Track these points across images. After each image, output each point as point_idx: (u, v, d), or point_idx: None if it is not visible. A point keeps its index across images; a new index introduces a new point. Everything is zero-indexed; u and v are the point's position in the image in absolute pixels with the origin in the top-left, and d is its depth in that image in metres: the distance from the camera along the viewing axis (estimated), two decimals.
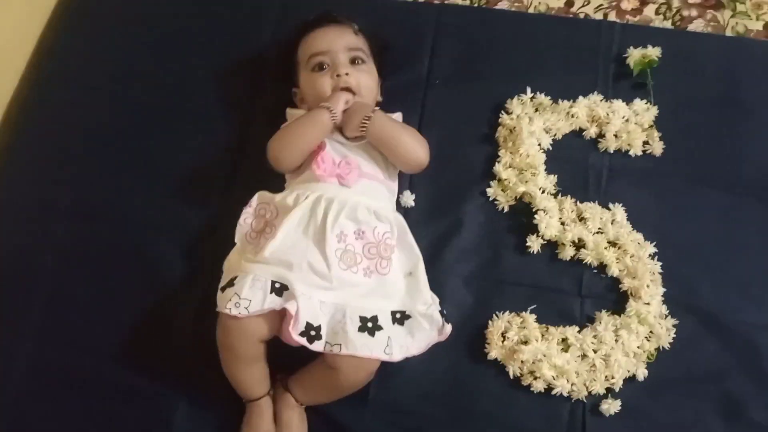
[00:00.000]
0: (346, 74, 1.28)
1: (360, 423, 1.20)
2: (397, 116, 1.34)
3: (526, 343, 1.21)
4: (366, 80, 1.30)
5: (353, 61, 1.31)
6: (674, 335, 1.22)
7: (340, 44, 1.30)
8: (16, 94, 1.48)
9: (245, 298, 1.12)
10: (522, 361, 1.20)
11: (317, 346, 1.12)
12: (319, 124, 1.25)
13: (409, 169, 1.31)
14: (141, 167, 1.40)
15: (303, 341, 1.11)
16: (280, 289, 1.14)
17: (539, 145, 1.34)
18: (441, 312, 1.20)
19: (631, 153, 1.34)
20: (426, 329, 1.18)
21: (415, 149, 1.29)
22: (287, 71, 1.36)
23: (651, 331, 1.22)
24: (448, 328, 1.20)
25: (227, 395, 1.21)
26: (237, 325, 1.14)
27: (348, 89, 1.28)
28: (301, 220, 1.20)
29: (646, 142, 1.34)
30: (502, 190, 1.32)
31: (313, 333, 1.11)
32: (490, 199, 1.32)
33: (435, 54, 1.43)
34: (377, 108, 1.29)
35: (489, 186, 1.33)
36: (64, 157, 1.42)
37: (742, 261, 1.28)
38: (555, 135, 1.35)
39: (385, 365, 1.20)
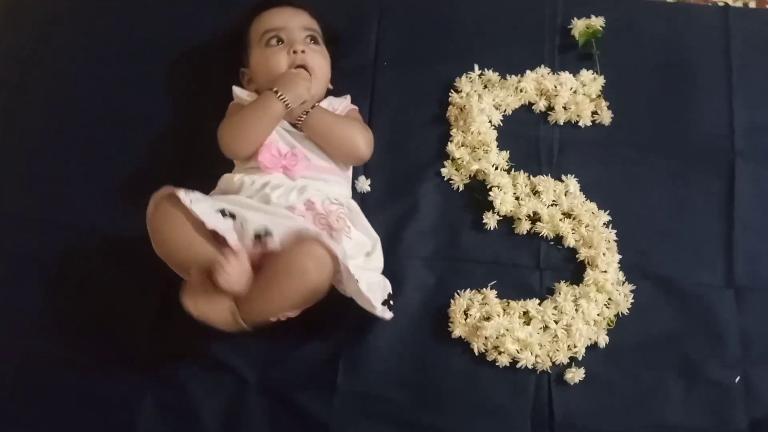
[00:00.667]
0: (303, 51, 1.26)
1: (329, 411, 1.20)
2: (346, 99, 1.34)
3: (488, 319, 1.22)
4: (320, 62, 1.29)
5: (308, 40, 1.29)
6: (632, 301, 1.25)
7: (297, 22, 1.29)
8: None
9: (193, 200, 1.10)
10: (486, 337, 1.21)
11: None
12: (273, 115, 1.21)
13: (348, 163, 1.30)
14: (88, 171, 1.36)
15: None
16: (228, 215, 1.12)
17: (490, 121, 1.34)
18: (389, 295, 1.19)
19: (580, 124, 1.35)
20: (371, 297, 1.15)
21: (352, 144, 1.26)
22: (236, 52, 1.34)
23: (609, 299, 1.24)
24: (388, 314, 1.17)
25: (193, 393, 1.22)
26: (177, 212, 1.10)
27: (304, 68, 1.26)
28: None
29: (594, 112, 1.36)
30: (456, 169, 1.32)
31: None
32: (445, 178, 1.33)
33: (381, 37, 1.42)
34: (318, 104, 1.27)
35: (443, 166, 1.33)
36: (7, 164, 1.38)
37: (693, 224, 1.31)
38: (505, 111, 1.36)
39: (349, 352, 1.22)
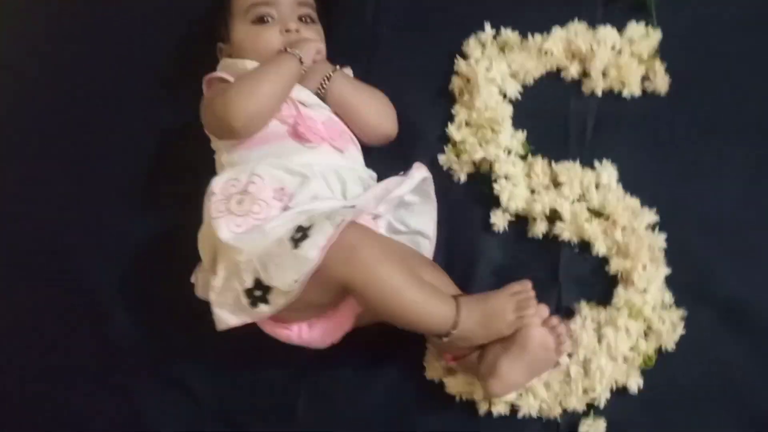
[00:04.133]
0: (297, 30, 1.06)
1: None
2: (347, 71, 1.12)
3: None
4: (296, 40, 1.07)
5: (301, 18, 1.09)
6: (682, 333, 0.92)
7: None
8: None
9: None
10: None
11: None
12: (290, 75, 1.01)
13: (373, 142, 1.09)
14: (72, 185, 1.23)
15: None
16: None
17: (503, 94, 1.06)
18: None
19: (625, 94, 1.03)
20: None
21: (385, 113, 1.09)
22: (213, 25, 1.13)
23: (649, 327, 0.93)
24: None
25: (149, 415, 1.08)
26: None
27: None
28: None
29: (646, 78, 1.03)
30: (457, 155, 1.05)
31: None
32: (445, 168, 1.07)
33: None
34: (338, 67, 1.08)
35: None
36: None
37: None
38: (525, 79, 1.07)
39: (312, 383, 1.03)
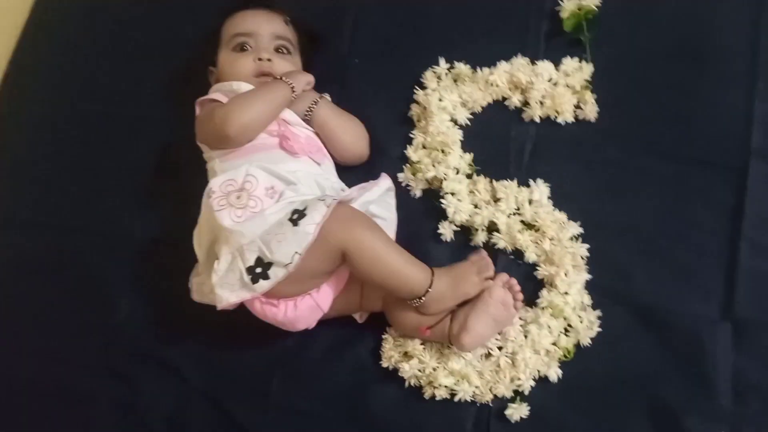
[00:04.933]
0: (269, 60, 1.22)
1: (260, 423, 1.14)
2: (327, 97, 1.26)
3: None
4: (287, 70, 1.23)
5: (277, 50, 1.25)
6: (598, 329, 1.06)
7: (267, 29, 1.25)
8: None
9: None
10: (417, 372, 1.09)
11: None
12: (281, 99, 1.17)
13: (346, 161, 1.23)
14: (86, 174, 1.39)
15: None
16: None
17: (455, 121, 1.20)
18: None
19: (560, 120, 1.17)
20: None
21: (362, 137, 1.24)
22: (209, 50, 1.30)
23: (570, 325, 1.07)
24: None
25: (142, 390, 1.22)
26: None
27: (270, 75, 1.22)
28: None
29: (578, 107, 1.17)
30: (413, 174, 1.20)
31: None
32: (403, 184, 1.21)
33: (355, 32, 1.32)
34: (324, 95, 1.23)
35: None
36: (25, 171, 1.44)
37: (688, 241, 1.09)
38: (473, 108, 1.21)
39: (286, 365, 1.17)
